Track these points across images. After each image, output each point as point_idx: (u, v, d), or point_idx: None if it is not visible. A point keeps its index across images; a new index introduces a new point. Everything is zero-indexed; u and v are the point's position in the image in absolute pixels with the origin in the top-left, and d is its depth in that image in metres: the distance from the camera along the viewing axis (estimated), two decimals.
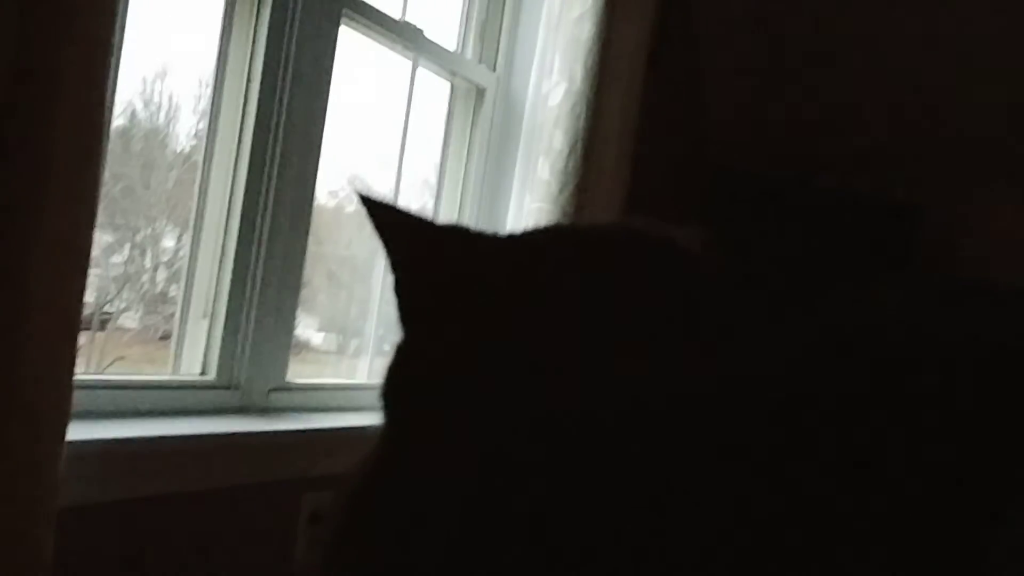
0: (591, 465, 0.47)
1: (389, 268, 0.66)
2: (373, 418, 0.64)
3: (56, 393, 1.08)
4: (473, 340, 0.58)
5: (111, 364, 1.73)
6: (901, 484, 0.40)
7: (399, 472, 0.55)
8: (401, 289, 0.65)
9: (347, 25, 1.79)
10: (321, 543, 0.58)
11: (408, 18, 1.96)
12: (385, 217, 0.65)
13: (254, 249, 1.63)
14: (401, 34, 1.93)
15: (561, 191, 1.99)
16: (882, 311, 0.46)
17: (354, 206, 2.14)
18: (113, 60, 1.11)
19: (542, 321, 0.57)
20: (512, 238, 0.66)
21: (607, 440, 0.47)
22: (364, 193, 0.65)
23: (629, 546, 0.44)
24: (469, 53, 2.21)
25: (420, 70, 2.04)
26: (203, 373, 1.60)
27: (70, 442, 1.11)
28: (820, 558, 0.40)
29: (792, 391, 0.44)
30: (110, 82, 1.10)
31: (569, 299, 0.57)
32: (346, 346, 2.25)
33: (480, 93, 2.21)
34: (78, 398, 1.13)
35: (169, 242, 1.83)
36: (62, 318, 1.08)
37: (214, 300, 1.61)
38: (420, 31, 1.98)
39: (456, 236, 0.66)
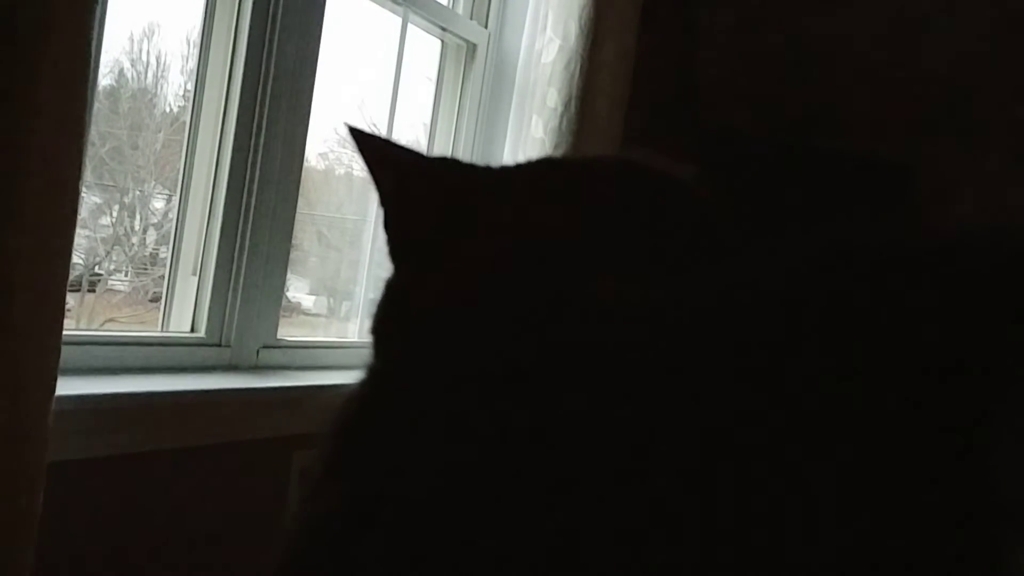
0: (584, 388, 0.46)
1: (379, 202, 0.65)
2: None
3: (45, 348, 1.07)
4: (464, 271, 0.57)
5: (102, 325, 1.72)
6: (898, 374, 0.40)
7: (387, 403, 0.54)
8: (391, 223, 0.65)
9: None
10: (308, 479, 0.57)
11: None
12: (375, 150, 0.64)
13: (243, 209, 1.61)
14: None
15: (555, 149, 1.98)
16: (875, 233, 0.46)
17: (344, 168, 2.13)
18: (98, 15, 1.08)
19: (536, 250, 0.56)
20: (504, 169, 0.65)
21: (601, 363, 0.46)
22: (353, 126, 0.64)
23: (624, 465, 0.43)
24: (460, 9, 2.19)
25: (410, 28, 2.01)
26: (193, 330, 1.58)
27: (59, 397, 1.10)
28: (826, 457, 0.40)
29: (790, 302, 0.44)
30: (95, 37, 1.08)
31: (564, 227, 0.57)
32: (337, 309, 2.24)
33: (471, 50, 2.19)
34: (68, 354, 1.12)
35: (158, 203, 1.81)
36: (50, 274, 1.07)
37: (203, 259, 1.60)
38: None
39: (447, 167, 0.65)
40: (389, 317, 0.63)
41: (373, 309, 0.65)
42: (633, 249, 0.54)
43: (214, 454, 1.47)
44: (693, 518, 0.41)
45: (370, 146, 0.64)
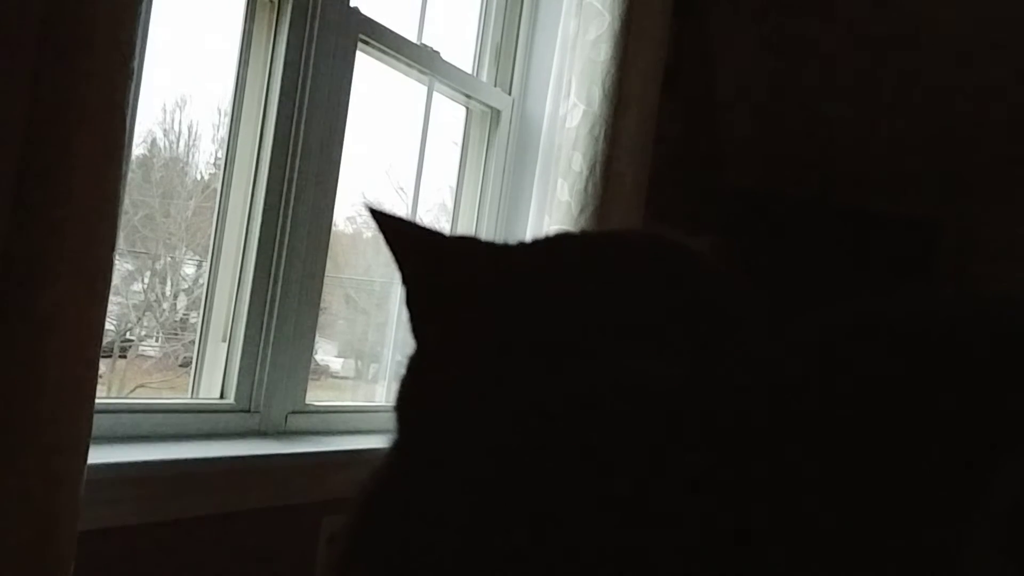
0: (600, 464, 0.47)
1: (400, 280, 0.66)
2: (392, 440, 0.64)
3: (77, 416, 1.09)
4: (484, 349, 0.58)
5: (132, 391, 1.74)
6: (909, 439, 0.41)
7: (409, 482, 0.55)
8: (412, 301, 0.66)
9: (363, 51, 1.81)
10: (333, 557, 0.58)
11: (424, 41, 1.98)
12: (395, 229, 0.65)
13: (272, 275, 1.64)
14: (418, 57, 1.95)
15: (581, 212, 1.99)
16: (894, 307, 0.47)
17: (372, 232, 2.15)
18: (133, 88, 1.12)
19: (553, 327, 0.57)
20: (522, 246, 0.66)
21: (620, 440, 0.47)
22: (374, 206, 0.65)
23: (642, 535, 0.44)
24: (484, 76, 2.23)
25: (435, 95, 2.05)
26: (222, 397, 1.60)
27: (91, 466, 1.12)
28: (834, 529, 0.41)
29: (804, 381, 0.44)
30: (130, 109, 1.11)
31: (580, 304, 0.57)
32: (365, 372, 2.25)
33: (496, 116, 2.23)
34: (99, 422, 1.14)
35: (189, 269, 1.84)
36: (82, 342, 1.09)
37: (232, 325, 1.62)
38: (437, 53, 2.00)
39: (466, 246, 0.66)
40: (411, 394, 0.64)
41: (397, 385, 0.66)
42: (648, 323, 0.55)
43: (244, 521, 1.47)
44: None
45: (391, 227, 0.65)
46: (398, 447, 0.61)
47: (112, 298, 1.15)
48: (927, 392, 0.42)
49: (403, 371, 0.65)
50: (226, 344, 1.61)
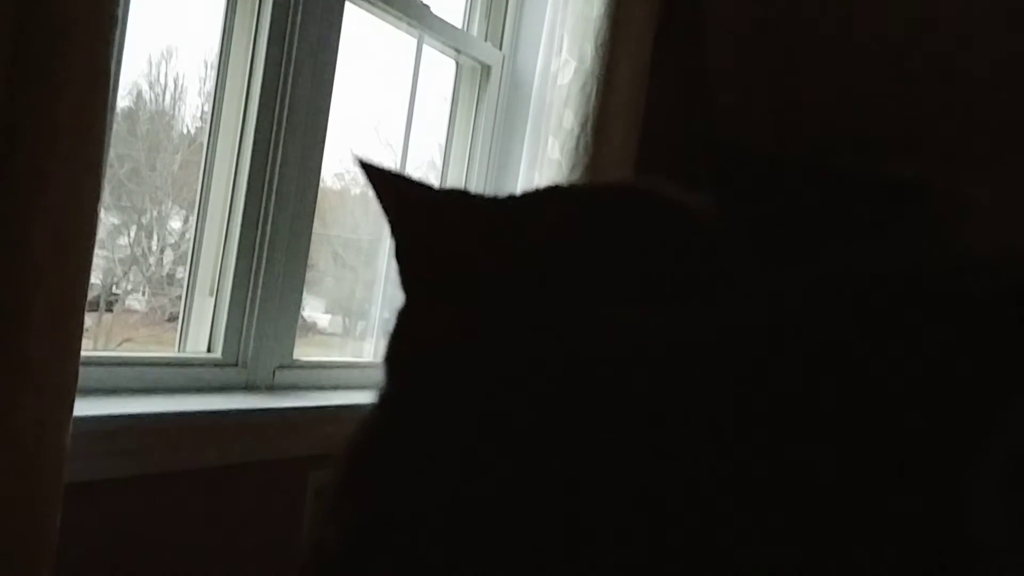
0: (587, 416, 0.46)
1: (390, 234, 0.66)
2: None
3: (63, 369, 1.08)
4: (473, 301, 0.58)
5: (119, 345, 1.73)
6: (897, 401, 0.41)
7: (398, 431, 0.55)
8: (402, 254, 0.65)
9: (352, 2, 1.79)
10: (320, 511, 0.58)
11: None
12: (385, 183, 0.65)
13: (259, 229, 1.63)
14: (407, 10, 1.93)
15: (572, 170, 1.98)
16: (875, 262, 0.46)
17: (360, 189, 2.14)
18: (117, 38, 1.10)
19: (542, 280, 0.56)
20: (513, 199, 0.65)
21: (605, 393, 0.47)
22: (364, 159, 0.65)
23: (626, 489, 0.44)
24: (475, 31, 2.20)
25: (425, 50, 2.03)
26: (209, 351, 1.60)
27: (77, 418, 1.11)
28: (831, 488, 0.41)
29: (793, 336, 0.44)
30: (114, 59, 1.10)
31: (570, 257, 0.57)
32: (352, 328, 2.25)
33: (486, 71, 2.21)
34: (85, 375, 1.13)
35: (175, 224, 1.83)
36: (68, 294, 1.08)
37: (219, 279, 1.61)
38: (427, 7, 1.98)
39: (456, 199, 0.66)
40: (401, 346, 0.64)
41: (387, 337, 0.66)
42: (637, 279, 0.55)
43: (230, 474, 1.47)
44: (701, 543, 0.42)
45: (380, 179, 0.65)
46: (386, 400, 0.61)
47: (98, 252, 1.14)
48: (920, 345, 0.42)
49: (393, 324, 0.65)
50: (213, 298, 1.61)
